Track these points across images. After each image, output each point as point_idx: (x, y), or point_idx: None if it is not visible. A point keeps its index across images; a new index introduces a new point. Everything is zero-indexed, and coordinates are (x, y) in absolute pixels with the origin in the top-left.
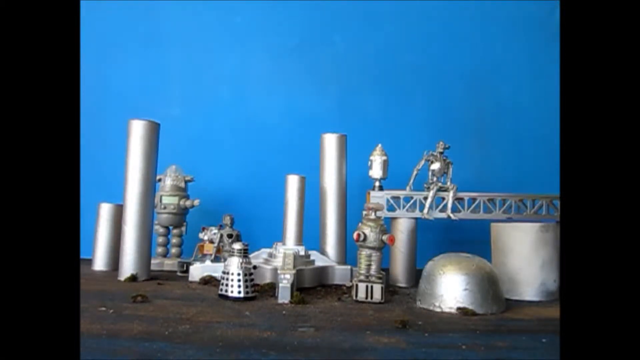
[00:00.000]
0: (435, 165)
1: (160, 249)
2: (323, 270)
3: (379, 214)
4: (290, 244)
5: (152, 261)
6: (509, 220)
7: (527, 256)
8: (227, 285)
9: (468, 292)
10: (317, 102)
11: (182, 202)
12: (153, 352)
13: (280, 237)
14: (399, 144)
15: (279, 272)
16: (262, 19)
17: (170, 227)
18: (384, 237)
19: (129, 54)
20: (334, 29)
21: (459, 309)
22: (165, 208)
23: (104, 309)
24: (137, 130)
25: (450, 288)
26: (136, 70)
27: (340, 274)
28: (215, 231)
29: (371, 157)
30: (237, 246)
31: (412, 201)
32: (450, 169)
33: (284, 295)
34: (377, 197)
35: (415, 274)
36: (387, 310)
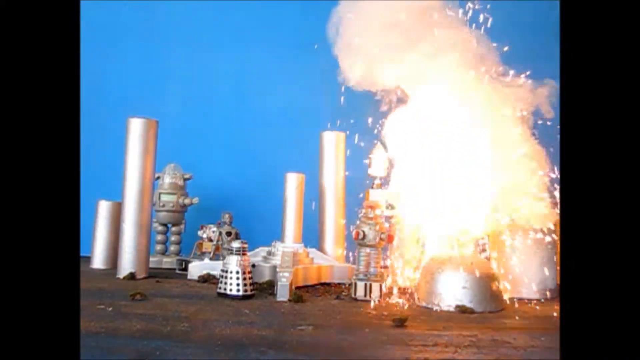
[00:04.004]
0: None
1: (158, 247)
2: (322, 269)
3: (378, 212)
4: (289, 242)
5: (151, 259)
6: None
7: (526, 254)
8: (225, 283)
9: (467, 291)
10: (317, 100)
11: (180, 200)
12: (151, 350)
13: (279, 235)
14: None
15: (277, 270)
16: (261, 17)
17: (169, 225)
18: (383, 236)
19: (128, 51)
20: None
21: (457, 307)
22: (163, 206)
23: (102, 306)
24: (136, 128)
25: (449, 286)
26: (135, 68)
27: (339, 272)
28: (214, 229)
29: (371, 155)
30: (235, 244)
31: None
32: None
33: (282, 294)
34: (377, 195)
35: (415, 272)
36: (385, 308)
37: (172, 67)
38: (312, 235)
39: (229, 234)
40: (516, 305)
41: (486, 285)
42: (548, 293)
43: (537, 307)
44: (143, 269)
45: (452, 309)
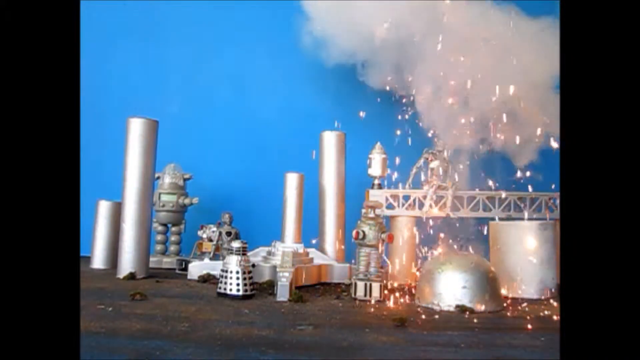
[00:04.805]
0: (435, 163)
1: (158, 247)
2: (322, 269)
3: (377, 212)
4: (289, 242)
5: (151, 259)
6: (508, 218)
7: (525, 254)
8: (225, 283)
9: (467, 290)
10: (317, 99)
11: (180, 200)
12: (152, 350)
13: (279, 235)
14: (398, 141)
15: (277, 270)
16: (261, 16)
17: (169, 225)
18: (383, 236)
19: (128, 51)
20: (333, 26)
21: (457, 307)
22: (163, 206)
23: (102, 306)
24: (136, 128)
25: (449, 286)
26: (135, 68)
27: (339, 272)
28: (214, 229)
29: (370, 155)
30: (235, 244)
31: (411, 199)
32: (450, 167)
33: (282, 294)
34: (376, 196)
35: (414, 273)
36: (385, 309)
37: (172, 67)
38: (312, 235)
39: (229, 234)
40: (516, 305)
41: (486, 285)
42: (548, 293)
43: (537, 307)
44: (143, 269)
45: (452, 309)
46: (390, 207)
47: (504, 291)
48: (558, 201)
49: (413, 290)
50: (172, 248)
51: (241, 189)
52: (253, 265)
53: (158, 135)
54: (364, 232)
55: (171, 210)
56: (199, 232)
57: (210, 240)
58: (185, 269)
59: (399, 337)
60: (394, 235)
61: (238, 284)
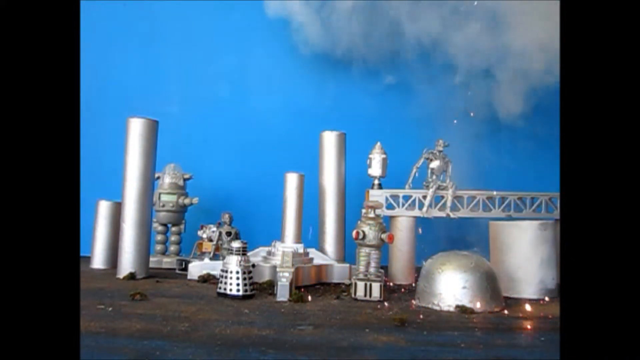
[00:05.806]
0: (435, 164)
1: (158, 247)
2: (322, 269)
3: (378, 212)
4: (289, 242)
5: (151, 259)
6: (508, 218)
7: (525, 254)
8: (225, 283)
9: (467, 290)
10: (317, 99)
11: (180, 200)
12: (151, 350)
13: (279, 235)
14: (398, 142)
15: (277, 270)
16: (260, 17)
17: (169, 225)
18: (383, 236)
19: (127, 52)
20: (333, 26)
21: (457, 307)
22: (163, 206)
23: (102, 307)
24: (136, 128)
25: (449, 286)
26: (135, 68)
27: (339, 272)
28: (214, 229)
29: (370, 156)
30: (235, 244)
31: (411, 199)
32: (450, 167)
33: (282, 294)
34: (376, 196)
35: (414, 272)
36: (385, 309)
37: (172, 67)
38: (312, 235)
39: (229, 234)
40: (516, 305)
41: (486, 285)
42: (548, 293)
43: (537, 307)
44: (143, 269)
45: (452, 309)
46: (390, 207)
47: (504, 291)
48: (558, 201)
49: (413, 290)
50: (172, 248)
51: (241, 189)
52: (253, 265)
53: (158, 135)
54: (364, 232)
55: (171, 210)
56: (199, 232)
57: (210, 240)
58: (185, 269)
59: (399, 337)
60: (393, 236)
61: (238, 284)
